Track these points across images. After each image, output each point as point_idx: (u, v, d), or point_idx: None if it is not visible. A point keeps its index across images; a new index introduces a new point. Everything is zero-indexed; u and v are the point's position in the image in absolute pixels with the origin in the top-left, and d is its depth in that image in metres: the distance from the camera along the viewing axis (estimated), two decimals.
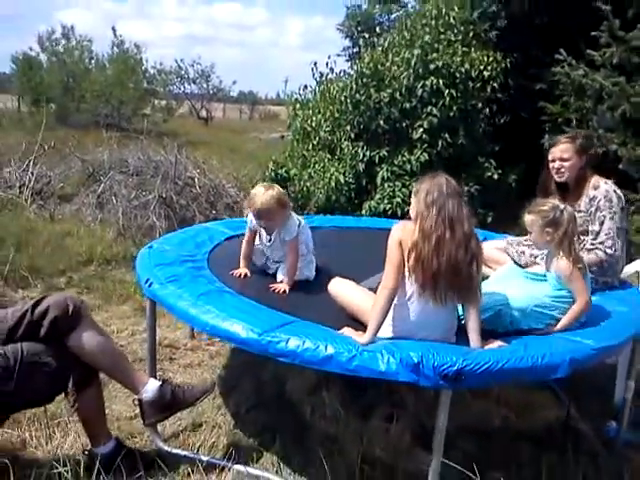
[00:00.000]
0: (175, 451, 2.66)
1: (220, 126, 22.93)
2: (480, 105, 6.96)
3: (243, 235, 3.74)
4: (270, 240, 3.12)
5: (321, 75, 7.13)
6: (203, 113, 23.78)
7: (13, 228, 5.73)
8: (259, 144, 15.54)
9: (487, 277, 2.86)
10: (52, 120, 14.38)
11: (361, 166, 6.39)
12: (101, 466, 2.23)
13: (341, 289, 2.72)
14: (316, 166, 6.66)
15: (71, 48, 16.93)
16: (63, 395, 2.41)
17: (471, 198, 6.51)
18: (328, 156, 6.74)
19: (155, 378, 2.60)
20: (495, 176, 6.70)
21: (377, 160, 6.40)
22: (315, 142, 6.95)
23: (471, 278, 2.32)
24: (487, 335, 2.36)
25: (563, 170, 3.19)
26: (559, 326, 2.54)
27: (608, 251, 3.03)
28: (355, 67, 6.79)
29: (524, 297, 2.54)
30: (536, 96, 7.21)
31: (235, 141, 16.44)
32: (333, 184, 6.28)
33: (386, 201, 6.20)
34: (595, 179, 3.17)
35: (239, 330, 2.25)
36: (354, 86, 6.37)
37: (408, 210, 6.03)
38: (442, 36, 6.79)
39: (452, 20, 6.87)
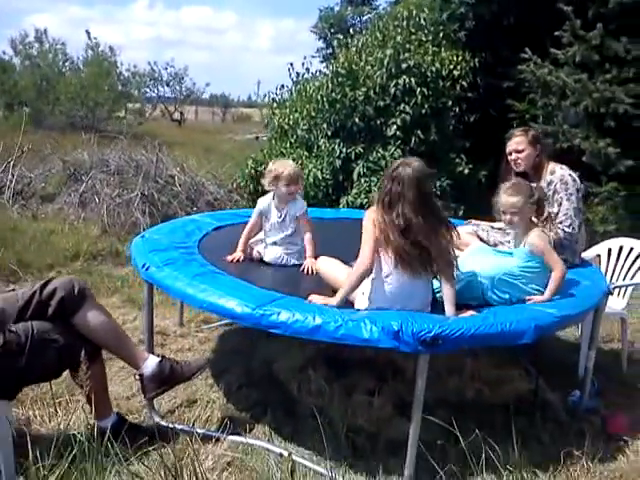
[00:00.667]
0: (172, 425, 2.81)
1: (193, 128, 23.00)
2: (450, 103, 7.22)
3: (229, 226, 3.96)
4: (280, 216, 3.29)
5: (297, 75, 7.35)
6: (176, 115, 23.80)
7: None
8: (234, 144, 15.70)
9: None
10: (27, 123, 14.35)
11: (338, 162, 6.62)
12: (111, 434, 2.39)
13: (327, 266, 2.94)
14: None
15: (45, 51, 16.91)
16: (68, 372, 2.59)
17: (443, 192, 6.77)
18: (306, 153, 6.96)
19: (159, 356, 2.77)
20: (466, 171, 6.97)
21: (353, 156, 6.64)
22: (293, 140, 7.16)
23: (444, 254, 2.56)
24: (461, 306, 2.60)
25: (520, 161, 3.45)
26: (547, 294, 2.74)
27: (567, 229, 3.28)
28: (330, 67, 7.03)
29: (493, 267, 2.78)
30: (504, 94, 7.51)
31: (210, 142, 16.56)
32: (311, 180, 6.50)
33: (362, 196, 6.43)
34: (551, 165, 3.43)
35: (234, 306, 2.44)
36: (330, 85, 6.61)
37: None
38: (413, 36, 7.05)
39: (422, 21, 7.14)
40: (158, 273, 2.76)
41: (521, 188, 2.86)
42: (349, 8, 11.61)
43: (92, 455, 2.10)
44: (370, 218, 2.57)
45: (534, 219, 2.90)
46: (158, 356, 2.72)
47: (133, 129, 15.62)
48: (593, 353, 3.12)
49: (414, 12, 7.15)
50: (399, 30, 7.00)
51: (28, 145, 8.74)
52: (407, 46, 6.85)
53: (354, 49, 7.12)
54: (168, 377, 2.66)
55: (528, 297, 2.76)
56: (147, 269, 2.83)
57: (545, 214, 3.03)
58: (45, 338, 2.37)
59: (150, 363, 2.64)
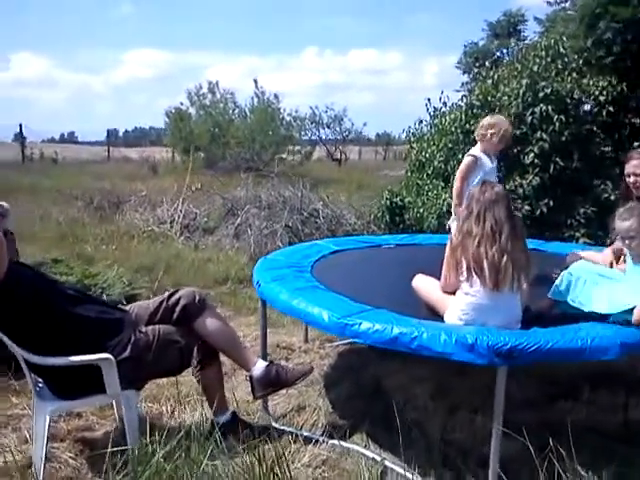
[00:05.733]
0: (282, 427, 3.14)
1: (354, 166, 23.88)
2: (595, 128, 6.98)
3: (348, 250, 4.26)
4: (494, 164, 3.79)
5: (435, 109, 7.53)
6: (337, 155, 24.92)
7: (163, 256, 6.68)
8: (388, 180, 16.07)
9: None
10: (201, 166, 16.05)
11: None
12: (220, 431, 2.75)
13: (421, 284, 3.11)
14: (429, 193, 7.03)
15: (216, 101, 18.83)
16: (192, 372, 3.02)
17: (588, 220, 6.52)
18: (441, 184, 7.07)
19: (267, 360, 3.12)
20: (612, 197, 6.65)
21: None
22: (429, 172, 7.33)
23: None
24: None
25: (639, 184, 3.35)
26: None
27: None
28: (465, 99, 7.14)
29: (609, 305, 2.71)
30: None
31: (367, 179, 17.13)
32: (445, 209, 6.60)
33: None
34: None
35: (324, 315, 2.70)
36: (464, 117, 6.73)
37: None
38: (552, 65, 6.95)
39: (562, 49, 7.02)
40: (266, 288, 3.13)
41: (634, 211, 2.81)
42: (495, 42, 11.63)
43: (197, 439, 2.46)
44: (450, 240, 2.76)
45: None
46: (267, 361, 3.07)
47: (295, 169, 16.75)
48: None
49: (552, 42, 7.06)
50: (537, 60, 6.94)
51: (197, 185, 9.87)
52: (544, 74, 6.77)
53: (490, 81, 7.17)
54: (274, 380, 2.97)
55: None
56: (259, 286, 3.21)
57: None
58: (169, 339, 2.81)
59: (259, 366, 2.98)
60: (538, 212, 6.44)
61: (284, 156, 18.19)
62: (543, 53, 7.05)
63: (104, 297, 4.45)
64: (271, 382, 2.97)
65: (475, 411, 3.27)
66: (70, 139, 67.13)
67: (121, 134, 76.77)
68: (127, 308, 3.00)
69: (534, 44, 7.63)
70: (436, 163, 7.20)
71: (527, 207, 6.45)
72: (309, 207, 7.53)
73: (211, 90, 18.75)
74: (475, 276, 2.66)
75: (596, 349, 2.41)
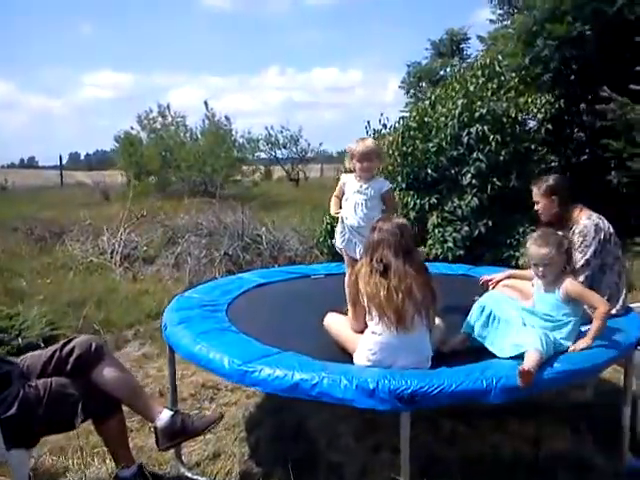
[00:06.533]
0: (194, 476, 2.98)
1: (312, 185, 23.82)
2: (535, 146, 7.02)
3: (273, 283, 4.13)
4: (362, 187, 3.35)
5: (375, 131, 7.46)
6: (294, 175, 24.79)
7: (98, 288, 6.44)
8: None
9: None
10: (152, 191, 15.75)
11: (412, 214, 6.62)
12: None
13: (332, 322, 2.98)
14: None
15: (167, 124, 18.60)
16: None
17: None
18: None
19: (172, 410, 2.94)
20: None
21: (427, 207, 6.62)
22: None
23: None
24: None
25: (540, 212, 3.34)
26: (589, 336, 2.62)
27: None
28: (402, 121, 7.11)
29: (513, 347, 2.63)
30: (606, 133, 7.16)
31: (323, 198, 17.09)
32: None
33: (437, 246, 6.37)
34: (582, 214, 3.25)
35: (224, 362, 2.56)
36: (400, 140, 6.68)
37: (460, 254, 6.15)
38: (489, 84, 6.98)
39: (498, 68, 7.06)
40: (170, 331, 2.96)
41: (550, 238, 2.75)
42: (439, 60, 11.69)
43: None
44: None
45: (564, 268, 2.78)
46: (173, 410, 2.89)
47: (249, 191, 16.60)
48: (628, 410, 2.89)
49: (488, 61, 7.11)
50: (473, 80, 6.97)
51: (142, 212, 9.61)
52: (480, 94, 6.79)
53: (427, 101, 7.17)
54: (179, 430, 2.78)
55: (572, 347, 2.62)
56: (165, 328, 3.04)
57: (579, 262, 2.98)
58: (62, 392, 2.61)
59: (163, 416, 2.79)
60: (477, 232, 6.42)
61: (238, 178, 18.00)
62: (479, 72, 7.08)
63: (19, 340, 4.22)
64: (176, 433, 2.79)
65: (397, 450, 3.16)
66: (30, 164, 65.87)
67: (82, 157, 75.56)
68: (17, 360, 2.80)
69: (471, 63, 7.68)
70: None
71: (466, 228, 6.43)
72: (252, 233, 7.37)
73: (162, 114, 18.52)
74: (375, 311, 2.55)
75: (502, 390, 2.33)
